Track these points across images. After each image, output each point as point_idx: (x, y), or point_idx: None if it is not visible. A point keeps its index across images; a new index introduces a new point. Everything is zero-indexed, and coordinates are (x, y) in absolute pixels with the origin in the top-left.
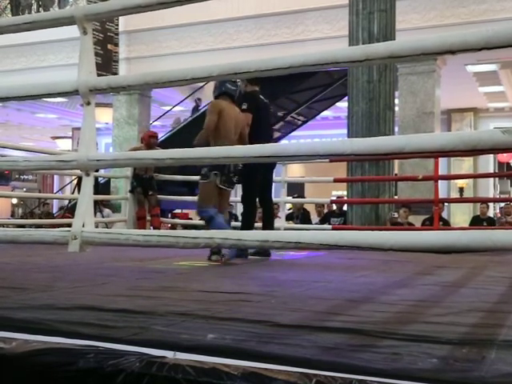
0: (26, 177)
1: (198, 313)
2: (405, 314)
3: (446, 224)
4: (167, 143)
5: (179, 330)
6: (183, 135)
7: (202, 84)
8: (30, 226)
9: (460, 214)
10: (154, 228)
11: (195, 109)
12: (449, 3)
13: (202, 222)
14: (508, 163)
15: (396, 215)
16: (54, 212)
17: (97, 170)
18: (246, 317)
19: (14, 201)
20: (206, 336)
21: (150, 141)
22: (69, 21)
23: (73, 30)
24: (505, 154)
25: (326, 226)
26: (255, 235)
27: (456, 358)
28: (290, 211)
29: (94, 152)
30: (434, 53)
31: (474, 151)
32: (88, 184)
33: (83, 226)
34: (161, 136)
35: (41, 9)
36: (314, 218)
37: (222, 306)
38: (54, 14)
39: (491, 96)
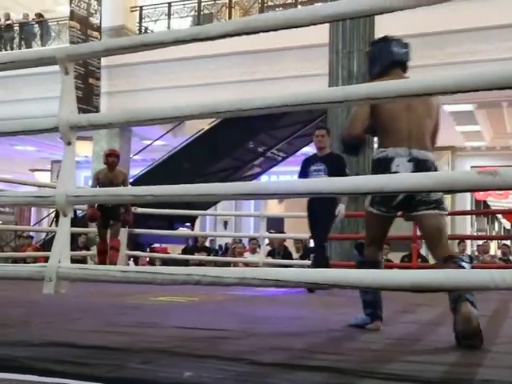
0: (2, 209)
1: (175, 350)
2: (383, 353)
3: (424, 261)
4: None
5: (155, 367)
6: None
7: None
8: (6, 259)
9: None
10: (110, 263)
11: None
12: (426, 45)
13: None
14: (485, 201)
15: None
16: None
17: None
18: (225, 354)
19: None
20: (183, 374)
21: (107, 160)
22: (51, 61)
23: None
24: (481, 193)
25: (306, 261)
26: (233, 272)
27: None
28: (268, 247)
29: (73, 188)
30: (411, 95)
31: (452, 191)
32: (65, 223)
33: (59, 262)
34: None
35: (23, 42)
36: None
37: (200, 343)
38: (37, 54)
39: (468, 135)
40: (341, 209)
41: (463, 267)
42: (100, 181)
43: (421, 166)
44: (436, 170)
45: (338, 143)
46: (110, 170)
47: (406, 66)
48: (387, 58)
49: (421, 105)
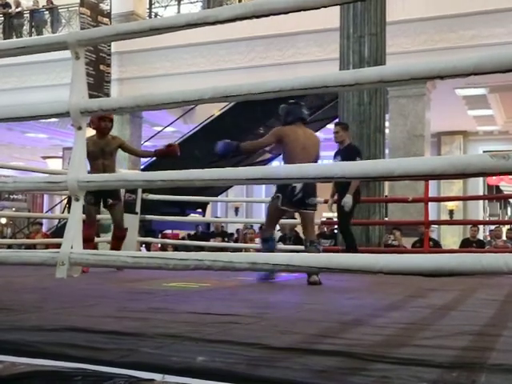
0: (15, 196)
1: (188, 335)
2: (395, 337)
3: (436, 245)
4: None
5: (168, 352)
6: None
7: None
8: (20, 245)
9: (450, 236)
10: None
11: None
12: (438, 28)
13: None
14: (497, 186)
15: (392, 237)
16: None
17: None
18: (236, 339)
19: (3, 220)
20: (196, 358)
21: (99, 124)
22: (62, 46)
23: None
24: (494, 177)
25: None
26: (244, 257)
27: (446, 381)
28: (279, 232)
29: (84, 173)
30: (423, 78)
31: (464, 175)
32: (77, 208)
33: (71, 247)
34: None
35: (33, 29)
36: None
37: (212, 328)
38: (47, 40)
39: (480, 119)
40: (347, 199)
41: (318, 248)
42: (89, 150)
43: (308, 184)
44: (315, 185)
45: (221, 147)
46: (101, 137)
47: (306, 121)
48: (298, 115)
49: (312, 147)
